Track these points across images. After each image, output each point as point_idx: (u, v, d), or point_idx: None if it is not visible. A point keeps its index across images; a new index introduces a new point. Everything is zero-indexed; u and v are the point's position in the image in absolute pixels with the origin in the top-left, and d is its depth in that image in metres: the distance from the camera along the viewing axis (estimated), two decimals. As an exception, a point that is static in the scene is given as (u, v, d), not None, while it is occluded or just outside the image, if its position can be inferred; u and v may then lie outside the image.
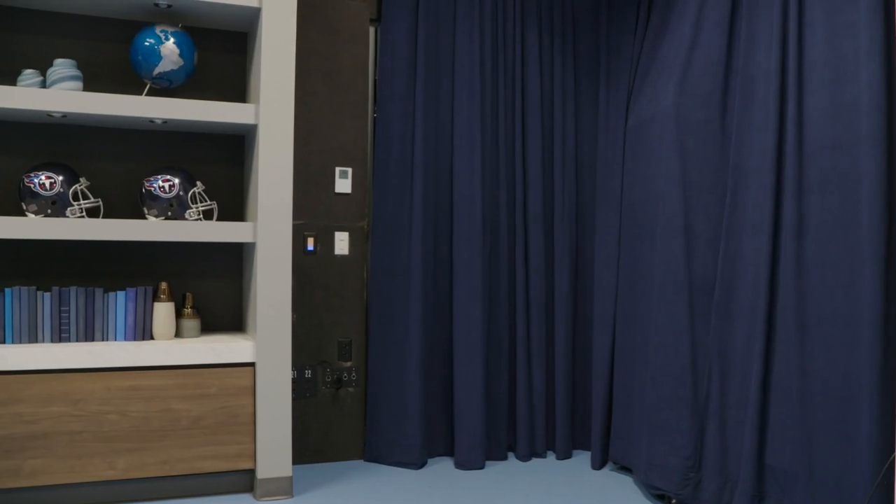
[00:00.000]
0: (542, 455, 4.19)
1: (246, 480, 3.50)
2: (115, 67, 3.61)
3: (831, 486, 2.94)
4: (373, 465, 4.02)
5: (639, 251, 3.86)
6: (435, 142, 4.10)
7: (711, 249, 3.52)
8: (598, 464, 4.04)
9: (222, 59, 3.83)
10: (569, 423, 4.21)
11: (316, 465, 3.99)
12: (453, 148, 4.08)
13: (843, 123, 2.97)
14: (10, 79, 3.36)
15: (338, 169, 4.08)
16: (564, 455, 4.18)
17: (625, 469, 3.99)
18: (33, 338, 3.30)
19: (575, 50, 4.24)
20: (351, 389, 4.10)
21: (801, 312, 3.10)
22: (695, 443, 3.45)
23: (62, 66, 3.35)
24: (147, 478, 3.33)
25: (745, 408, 3.27)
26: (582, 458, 4.18)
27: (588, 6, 4.24)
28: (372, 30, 4.22)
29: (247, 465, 3.46)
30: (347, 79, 4.14)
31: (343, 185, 4.08)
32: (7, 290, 3.26)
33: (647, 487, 3.63)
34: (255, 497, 3.45)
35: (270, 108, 3.46)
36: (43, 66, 3.39)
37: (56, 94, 3.27)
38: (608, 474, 3.96)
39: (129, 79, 3.56)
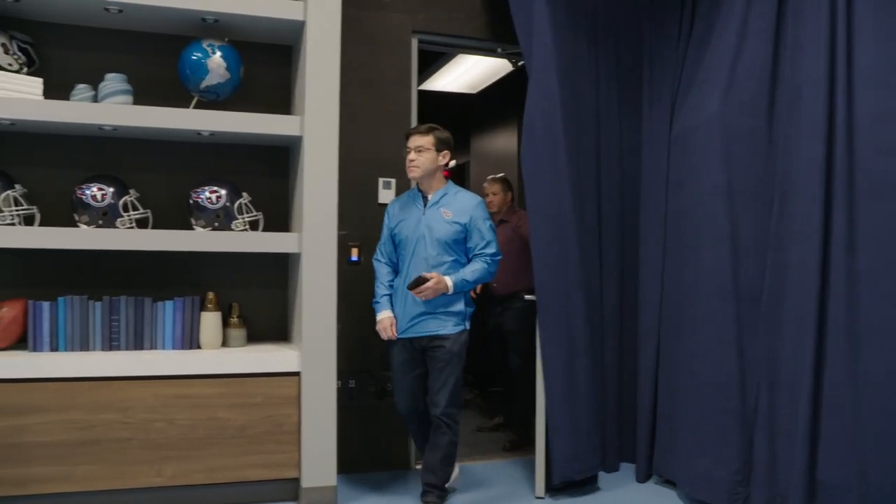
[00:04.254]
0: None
1: (291, 489, 3.52)
2: (163, 81, 3.67)
3: (885, 502, 2.87)
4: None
5: (684, 261, 3.81)
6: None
7: (758, 259, 3.47)
8: (644, 477, 3.99)
9: (267, 72, 3.88)
10: (616, 435, 4.16)
11: (360, 474, 4.00)
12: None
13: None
14: (65, 93, 3.44)
15: (381, 179, 4.10)
16: (612, 468, 4.12)
17: (669, 482, 3.93)
18: (85, 346, 3.36)
19: (618, 60, 4.19)
20: (394, 399, 4.11)
21: (853, 323, 3.04)
22: (743, 456, 3.40)
23: (113, 81, 3.43)
24: (193, 485, 3.37)
25: (795, 420, 3.20)
26: (629, 471, 4.13)
27: (630, 16, 4.20)
28: (414, 41, 4.24)
29: (292, 474, 3.48)
30: (389, 90, 4.17)
31: (386, 195, 4.10)
32: (60, 300, 3.33)
33: (692, 501, 3.58)
34: (299, 506, 3.47)
35: (315, 120, 3.49)
36: (95, 81, 3.47)
37: (107, 107, 3.35)
38: (653, 487, 3.91)
39: (178, 92, 3.61)
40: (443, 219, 3.44)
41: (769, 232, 3.42)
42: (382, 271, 3.58)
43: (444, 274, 3.39)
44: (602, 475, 4.05)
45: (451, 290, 3.37)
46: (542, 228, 3.75)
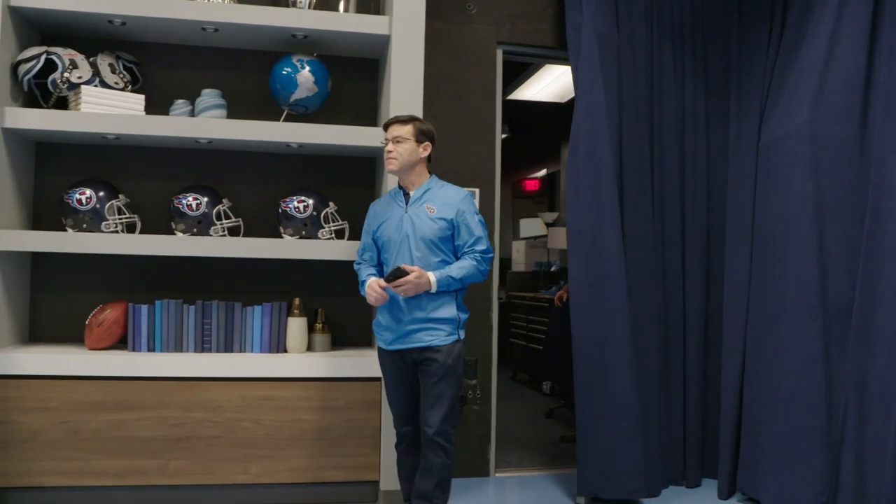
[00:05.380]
0: (671, 483, 4.07)
1: (370, 491, 3.61)
2: (255, 95, 3.85)
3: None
4: (497, 479, 4.05)
5: (770, 275, 3.69)
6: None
7: (848, 273, 3.35)
8: (726, 494, 3.88)
9: (354, 85, 4.01)
10: (698, 450, 4.07)
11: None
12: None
13: None
14: (164, 109, 3.66)
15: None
16: (693, 483, 4.04)
17: (752, 500, 3.82)
18: (179, 347, 3.55)
19: (706, 68, 4.11)
20: (475, 407, 4.15)
21: (948, 341, 2.90)
22: (828, 477, 3.28)
23: (208, 96, 3.62)
24: (277, 483, 3.50)
25: (885, 441, 3.08)
26: (710, 487, 4.03)
27: (718, 25, 4.12)
28: (499, 52, 4.28)
29: (371, 477, 3.57)
30: (475, 101, 4.22)
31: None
32: (157, 303, 3.53)
33: (778, 521, 3.47)
34: (378, 508, 3.56)
35: (398, 132, 3.57)
36: (192, 96, 3.67)
37: (204, 121, 3.53)
38: (737, 505, 3.82)
39: (268, 105, 3.78)
40: (427, 215, 3.06)
41: (860, 245, 3.29)
42: (364, 266, 3.25)
43: None
44: (684, 490, 3.98)
45: (434, 288, 2.97)
46: (577, 247, 3.76)
